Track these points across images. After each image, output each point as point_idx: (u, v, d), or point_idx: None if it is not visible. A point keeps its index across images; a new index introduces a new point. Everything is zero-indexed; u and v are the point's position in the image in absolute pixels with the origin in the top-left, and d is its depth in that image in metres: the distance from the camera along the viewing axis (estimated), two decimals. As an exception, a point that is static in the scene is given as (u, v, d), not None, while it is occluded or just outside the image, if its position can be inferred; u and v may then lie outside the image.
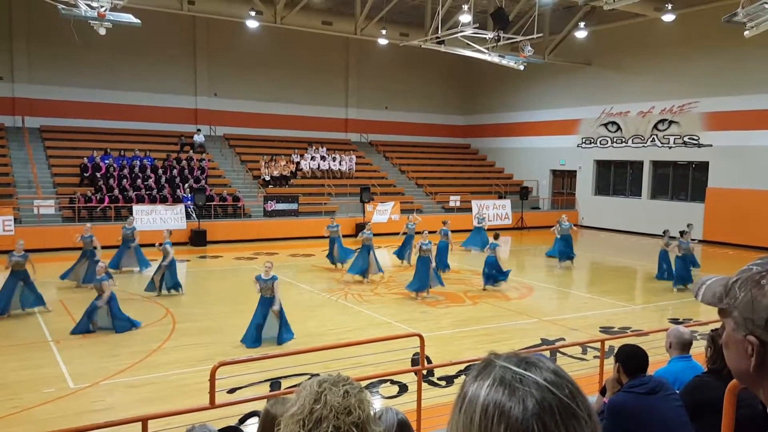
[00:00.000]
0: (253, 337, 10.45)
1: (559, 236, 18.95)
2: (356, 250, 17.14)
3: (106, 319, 11.11)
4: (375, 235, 17.09)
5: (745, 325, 1.07)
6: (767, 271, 1.07)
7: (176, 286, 14.13)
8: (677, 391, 3.83)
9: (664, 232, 17.11)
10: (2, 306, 11.97)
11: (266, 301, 10.65)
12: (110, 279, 11.39)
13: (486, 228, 21.80)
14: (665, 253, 16.66)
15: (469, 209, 26.44)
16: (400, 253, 19.02)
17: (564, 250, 18.86)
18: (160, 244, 14.33)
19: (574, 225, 21.76)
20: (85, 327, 10.96)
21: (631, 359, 3.85)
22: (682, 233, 16.37)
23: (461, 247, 21.55)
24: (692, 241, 16.46)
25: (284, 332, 10.65)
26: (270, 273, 10.73)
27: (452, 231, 22.56)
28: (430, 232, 14.94)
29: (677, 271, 15.77)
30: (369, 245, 16.21)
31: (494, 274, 15.20)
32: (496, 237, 16.12)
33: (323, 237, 18.90)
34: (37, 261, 12.80)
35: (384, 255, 19.31)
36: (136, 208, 21.65)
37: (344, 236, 19.63)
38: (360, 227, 24.63)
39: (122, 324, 11.14)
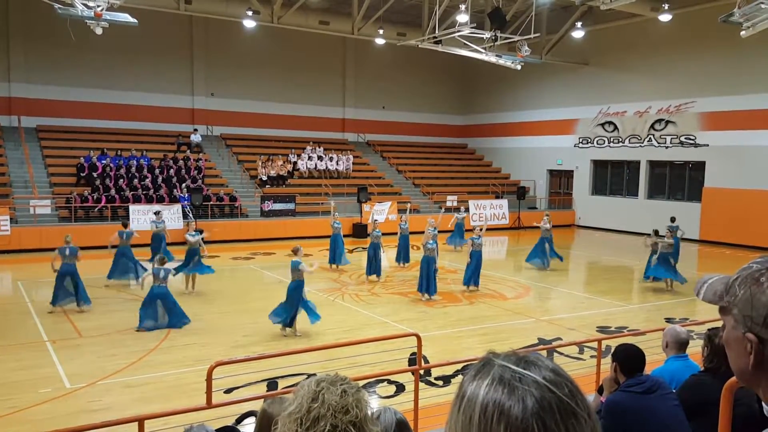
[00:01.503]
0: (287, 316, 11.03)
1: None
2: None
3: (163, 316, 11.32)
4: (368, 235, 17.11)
5: (744, 322, 1.07)
6: (767, 269, 1.07)
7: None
8: (674, 391, 3.83)
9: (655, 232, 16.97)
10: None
11: (295, 285, 11.12)
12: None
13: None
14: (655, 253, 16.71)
15: (467, 209, 26.45)
16: (397, 257, 18.93)
17: (535, 251, 18.55)
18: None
19: (572, 224, 21.83)
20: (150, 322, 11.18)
21: (628, 358, 3.85)
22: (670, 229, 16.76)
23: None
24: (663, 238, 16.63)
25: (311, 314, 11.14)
26: (294, 257, 11.23)
27: (448, 230, 22.69)
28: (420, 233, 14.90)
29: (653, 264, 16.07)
30: (377, 243, 16.29)
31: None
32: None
33: (323, 236, 18.85)
34: (33, 261, 12.79)
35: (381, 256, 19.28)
36: (133, 208, 21.60)
37: (344, 236, 19.59)
38: (357, 227, 24.67)
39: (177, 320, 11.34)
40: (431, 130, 36.27)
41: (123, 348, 10.20)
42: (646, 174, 28.03)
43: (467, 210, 25.34)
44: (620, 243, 25.30)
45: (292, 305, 11.02)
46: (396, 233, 19.15)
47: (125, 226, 15.68)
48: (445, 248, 21.19)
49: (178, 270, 14.32)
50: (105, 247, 15.38)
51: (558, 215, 22.71)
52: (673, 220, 18.78)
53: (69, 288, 12.38)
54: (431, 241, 14.31)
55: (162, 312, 11.31)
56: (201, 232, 15.56)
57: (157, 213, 17.72)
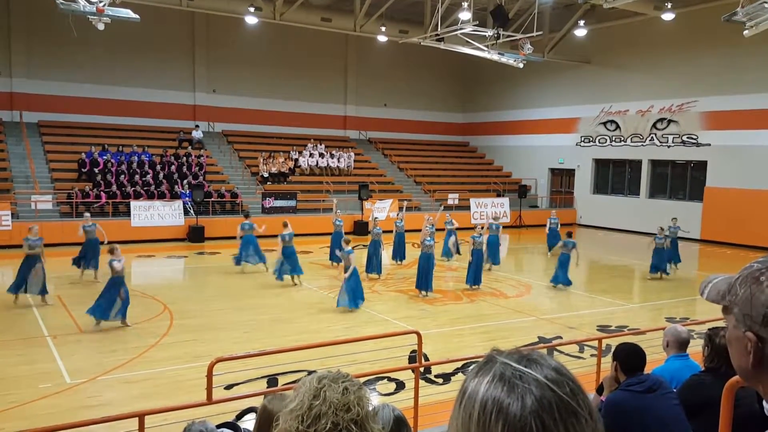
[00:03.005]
0: (352, 298, 12.49)
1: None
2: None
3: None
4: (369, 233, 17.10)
5: (744, 321, 1.07)
6: (767, 268, 1.07)
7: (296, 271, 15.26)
8: (674, 390, 3.83)
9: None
10: (16, 284, 12.57)
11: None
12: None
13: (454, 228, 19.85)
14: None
15: (468, 207, 26.48)
16: (393, 254, 18.75)
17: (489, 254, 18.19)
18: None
19: (573, 223, 21.97)
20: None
21: (629, 357, 3.85)
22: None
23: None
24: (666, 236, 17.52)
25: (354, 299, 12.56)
26: (348, 246, 12.70)
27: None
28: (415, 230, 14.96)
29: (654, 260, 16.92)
30: (378, 241, 16.31)
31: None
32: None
33: (323, 234, 18.82)
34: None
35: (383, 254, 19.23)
36: (134, 204, 21.62)
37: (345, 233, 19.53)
38: (358, 225, 24.66)
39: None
40: (433, 128, 36.25)
41: (123, 344, 10.22)
42: (647, 173, 28.00)
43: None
44: (621, 242, 25.29)
45: (357, 288, 12.56)
46: (391, 231, 19.08)
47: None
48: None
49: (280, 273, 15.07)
50: (104, 243, 15.39)
51: (559, 214, 22.72)
52: (674, 221, 19.19)
53: (34, 277, 12.56)
54: (429, 239, 14.31)
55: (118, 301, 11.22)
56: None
57: (247, 215, 17.87)
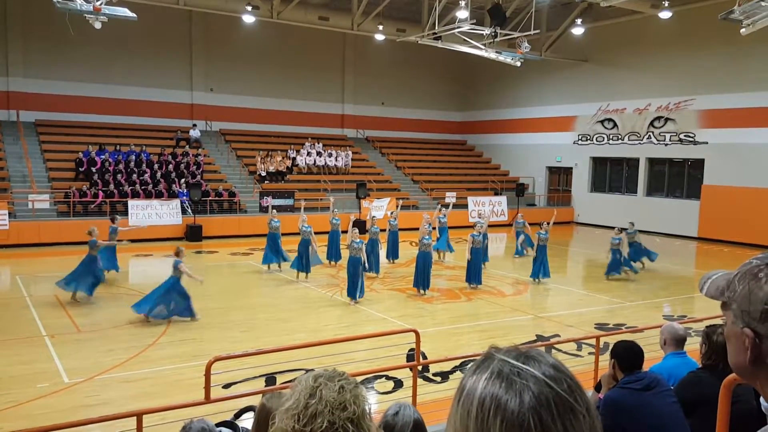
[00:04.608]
0: (354, 289, 13.04)
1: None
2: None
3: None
4: (366, 231, 17.10)
5: (742, 317, 1.07)
6: (766, 265, 1.07)
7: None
8: (672, 387, 3.84)
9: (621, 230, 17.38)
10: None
11: (354, 260, 13.14)
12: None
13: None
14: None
15: (465, 206, 26.46)
16: (387, 254, 18.47)
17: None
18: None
19: (571, 222, 21.82)
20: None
21: (627, 355, 3.85)
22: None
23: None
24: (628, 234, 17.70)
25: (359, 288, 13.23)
26: (358, 238, 13.38)
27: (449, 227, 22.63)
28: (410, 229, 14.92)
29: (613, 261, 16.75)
30: (375, 240, 16.33)
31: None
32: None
33: (322, 233, 18.80)
34: (32, 256, 12.79)
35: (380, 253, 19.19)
36: (132, 203, 21.58)
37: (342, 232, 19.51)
38: (356, 223, 24.60)
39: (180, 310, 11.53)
40: (431, 127, 36.26)
41: (121, 343, 10.20)
42: (645, 171, 28.03)
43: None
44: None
45: (356, 277, 13.00)
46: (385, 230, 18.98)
47: (113, 221, 15.57)
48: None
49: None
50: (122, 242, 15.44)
51: (557, 212, 22.69)
52: (631, 225, 18.46)
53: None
54: (427, 237, 14.31)
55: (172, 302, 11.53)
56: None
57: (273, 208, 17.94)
